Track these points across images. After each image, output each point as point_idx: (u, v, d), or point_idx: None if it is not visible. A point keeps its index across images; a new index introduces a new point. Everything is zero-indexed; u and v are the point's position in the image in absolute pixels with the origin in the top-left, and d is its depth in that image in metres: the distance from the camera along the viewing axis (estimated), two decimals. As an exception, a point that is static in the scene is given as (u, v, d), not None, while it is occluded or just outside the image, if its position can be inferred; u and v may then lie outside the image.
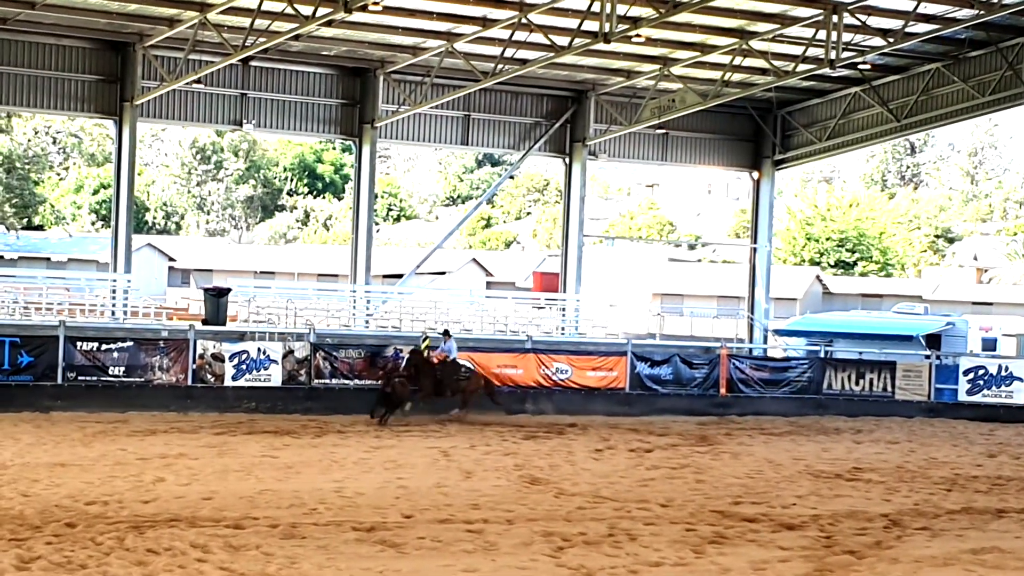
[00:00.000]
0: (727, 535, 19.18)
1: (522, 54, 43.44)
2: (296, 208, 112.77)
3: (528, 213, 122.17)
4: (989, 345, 55.74)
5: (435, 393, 36.01)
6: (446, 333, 37.44)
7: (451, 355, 36.68)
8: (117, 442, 28.65)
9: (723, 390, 41.68)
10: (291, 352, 37.01)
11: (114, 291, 43.57)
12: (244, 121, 45.83)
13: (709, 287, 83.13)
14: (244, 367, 36.68)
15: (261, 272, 79.24)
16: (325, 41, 43.83)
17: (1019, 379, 42.29)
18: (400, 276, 53.53)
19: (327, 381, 37.21)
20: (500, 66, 43.48)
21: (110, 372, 35.38)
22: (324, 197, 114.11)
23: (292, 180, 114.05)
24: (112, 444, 28.25)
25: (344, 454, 27.80)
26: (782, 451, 31.57)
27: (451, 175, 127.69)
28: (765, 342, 52.97)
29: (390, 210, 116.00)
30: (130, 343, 35.87)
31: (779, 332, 55.63)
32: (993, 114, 70.43)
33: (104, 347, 35.46)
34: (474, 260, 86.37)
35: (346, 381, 37.51)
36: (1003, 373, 42.68)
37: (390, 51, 44.94)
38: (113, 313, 42.76)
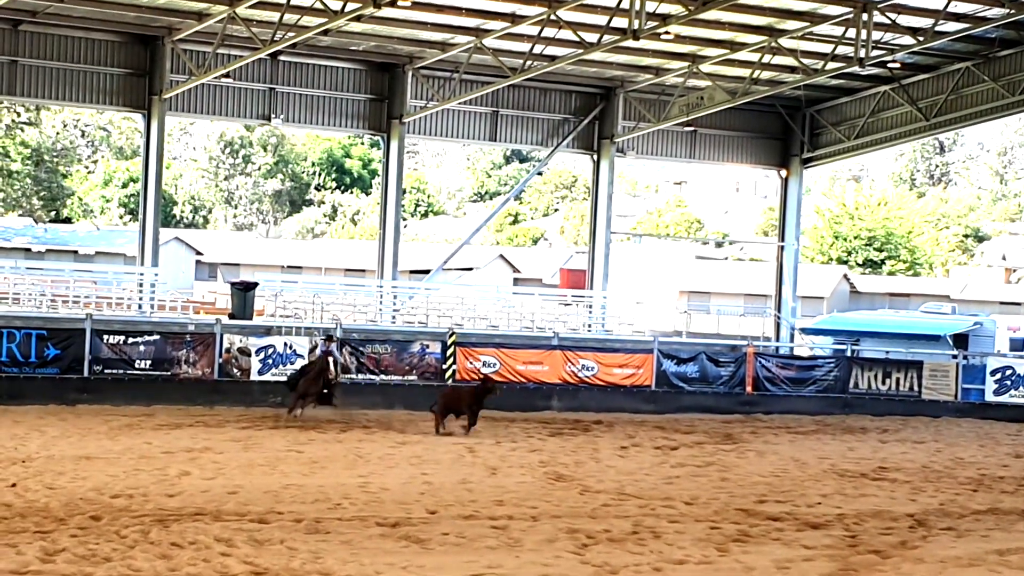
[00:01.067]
0: (751, 533, 19.15)
1: (551, 51, 43.43)
2: (324, 203, 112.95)
3: (556, 210, 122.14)
4: (1017, 345, 55.50)
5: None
6: (329, 338, 35.37)
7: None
8: (142, 435, 28.74)
9: (749, 388, 41.67)
10: (317, 347, 37.03)
11: (141, 284, 43.76)
12: (272, 115, 45.94)
13: (736, 285, 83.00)
14: (270, 361, 36.76)
15: (288, 267, 79.28)
16: (354, 36, 43.90)
17: (1046, 380, 42.28)
18: (427, 272, 53.60)
19: (353, 376, 37.24)
20: (529, 62, 43.49)
21: (136, 365, 35.49)
22: (352, 192, 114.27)
23: (320, 175, 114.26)
24: (137, 438, 28.34)
25: (369, 449, 27.86)
26: (808, 450, 31.57)
27: (479, 171, 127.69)
28: (792, 340, 52.95)
29: (418, 206, 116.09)
30: (156, 337, 36.00)
31: (806, 331, 55.59)
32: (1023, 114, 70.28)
33: (131, 340, 35.59)
34: (501, 256, 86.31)
35: (372, 376, 37.59)
36: (1031, 373, 42.64)
37: (419, 47, 45.00)
38: (140, 306, 42.95)
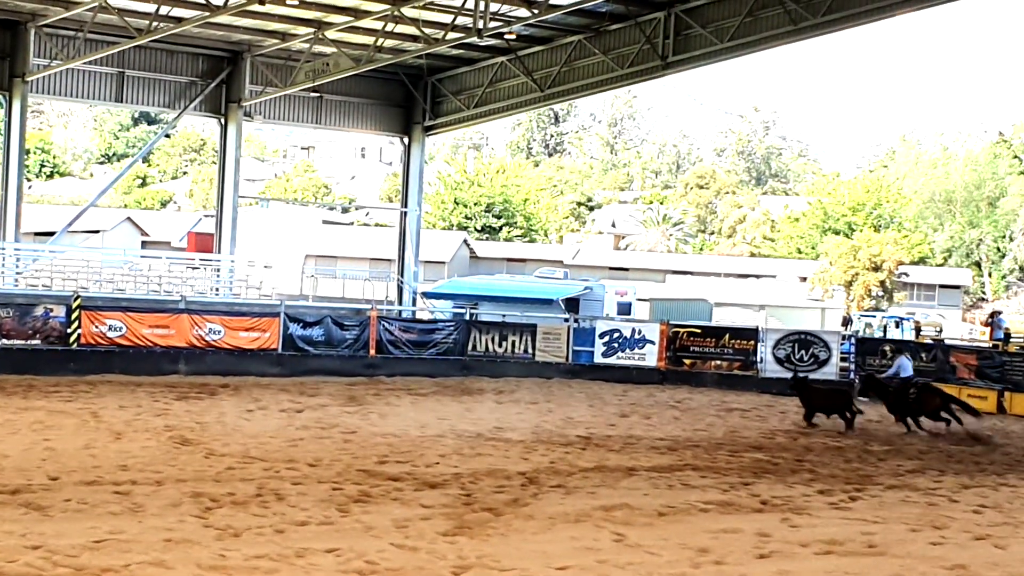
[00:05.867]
0: (372, 494, 19.37)
1: (178, 12, 43.16)
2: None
3: (184, 173, 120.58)
4: (624, 309, 57.79)
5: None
6: (899, 350, 33.36)
7: (902, 373, 32.15)
8: None
9: (372, 351, 42.46)
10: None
11: None
12: None
13: (361, 250, 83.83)
14: None
15: (-100, 226, 75.66)
16: (-29, -8, 42.57)
17: (651, 342, 44.33)
18: (52, 234, 52.46)
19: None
20: (155, 23, 43.09)
21: None
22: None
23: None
24: None
25: (-11, 416, 27.16)
26: (428, 411, 32.14)
27: (106, 132, 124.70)
28: (414, 304, 53.99)
29: (43, 166, 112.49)
30: None
31: (427, 295, 56.75)
32: (631, 86, 72.66)
33: None
34: (129, 219, 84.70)
35: (-8, 341, 36.78)
36: (636, 336, 44.59)
37: (41, 3, 43.89)
38: None
